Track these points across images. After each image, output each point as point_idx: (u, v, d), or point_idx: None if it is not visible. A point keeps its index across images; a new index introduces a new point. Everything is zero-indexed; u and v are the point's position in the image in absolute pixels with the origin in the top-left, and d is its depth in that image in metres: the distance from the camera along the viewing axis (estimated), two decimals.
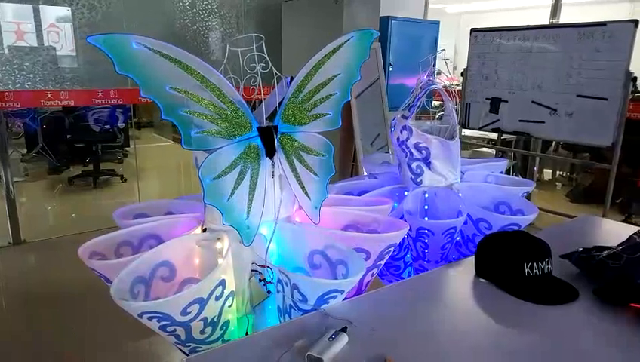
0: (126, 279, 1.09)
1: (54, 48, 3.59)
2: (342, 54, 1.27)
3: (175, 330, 1.08)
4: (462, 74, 3.98)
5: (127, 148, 6.20)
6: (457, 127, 1.78)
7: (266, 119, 1.22)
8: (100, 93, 3.53)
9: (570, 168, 5.55)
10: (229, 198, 1.15)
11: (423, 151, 1.71)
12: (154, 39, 1.01)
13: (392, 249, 1.30)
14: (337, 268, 1.20)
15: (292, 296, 1.10)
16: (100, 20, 3.62)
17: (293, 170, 1.24)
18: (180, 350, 1.37)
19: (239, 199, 1.17)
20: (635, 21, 2.94)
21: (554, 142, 5.02)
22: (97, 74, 3.65)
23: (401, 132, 1.72)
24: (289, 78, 1.35)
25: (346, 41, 1.27)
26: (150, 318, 1.03)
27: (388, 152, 4.07)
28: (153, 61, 1.02)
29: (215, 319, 1.13)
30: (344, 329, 0.97)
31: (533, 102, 3.54)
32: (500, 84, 3.72)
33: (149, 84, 1.03)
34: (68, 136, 5.26)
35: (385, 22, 4.06)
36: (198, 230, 1.32)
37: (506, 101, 3.71)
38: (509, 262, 1.20)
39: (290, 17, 4.24)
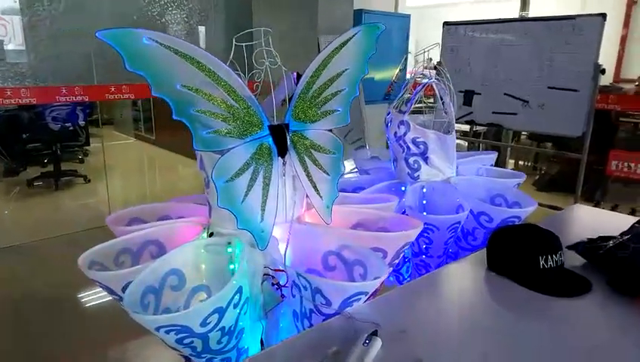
0: (136, 290, 1.02)
1: (2, 42, 3.37)
2: (350, 48, 1.23)
3: (192, 342, 1.02)
4: (434, 68, 4.01)
5: (87, 148, 5.93)
6: (454, 120, 1.78)
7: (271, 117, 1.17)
8: (64, 91, 3.33)
9: (534, 158, 5.74)
10: (242, 201, 1.10)
11: (421, 146, 1.71)
12: (164, 34, 0.94)
13: (407, 246, 1.28)
14: (354, 268, 1.17)
15: (314, 300, 1.07)
16: (55, 13, 3.41)
17: (305, 169, 1.20)
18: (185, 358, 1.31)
19: (253, 201, 1.12)
20: (603, 15, 3.05)
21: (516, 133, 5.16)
22: (51, 69, 3.45)
23: (398, 127, 1.71)
24: (294, 74, 1.30)
25: (353, 35, 1.23)
26: (167, 331, 0.97)
27: (364, 146, 4.07)
28: (163, 57, 0.95)
29: (232, 328, 1.08)
30: (375, 333, 0.95)
31: (505, 94, 3.62)
32: (472, 76, 3.78)
33: (160, 81, 0.96)
34: (24, 135, 4.97)
35: (358, 15, 4.05)
36: (204, 235, 1.25)
37: (479, 93, 3.78)
38: (524, 256, 1.20)
39: (263, 10, 4.15)
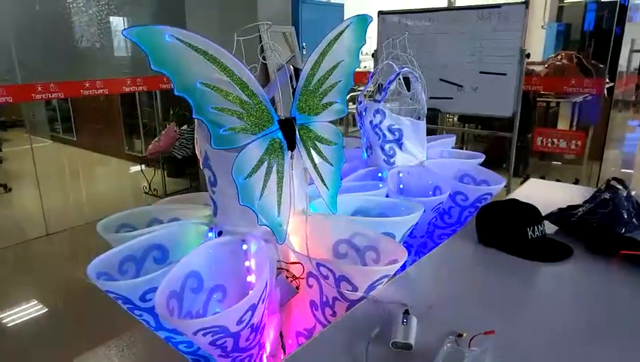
0: (162, 297, 0.99)
1: None
2: (344, 40, 1.26)
3: (225, 342, 1.02)
4: (372, 55, 4.14)
5: None
6: (426, 107, 1.87)
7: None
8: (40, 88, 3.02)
9: (461, 138, 6.11)
10: (260, 197, 1.10)
11: (396, 133, 1.78)
12: (184, 30, 0.91)
13: (411, 229, 1.35)
14: (366, 254, 1.22)
15: (339, 287, 1.10)
16: None
17: (312, 160, 1.22)
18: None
19: (269, 197, 1.12)
20: (526, 2, 3.32)
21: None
22: None
23: (374, 115, 1.77)
24: (291, 68, 1.31)
25: (346, 27, 1.26)
26: (205, 334, 0.95)
27: None
28: (184, 55, 0.92)
29: (258, 324, 1.08)
30: (407, 312, 1.00)
31: (440, 79, 3.82)
32: (409, 64, 3.93)
33: (182, 80, 0.94)
34: None
35: (296, 5, 4.05)
36: (211, 234, 1.23)
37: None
38: (513, 228, 1.32)
39: (196, 2, 4.01)
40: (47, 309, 2.71)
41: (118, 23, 4.06)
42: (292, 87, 1.27)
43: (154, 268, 1.18)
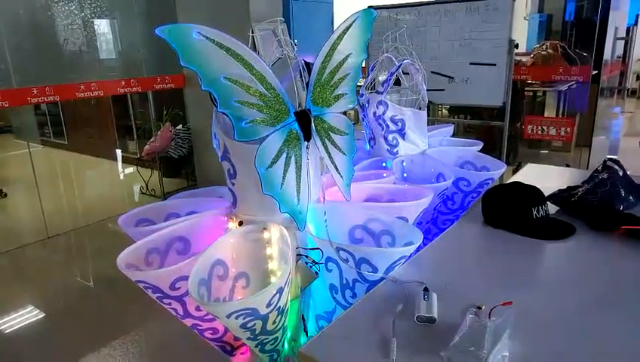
0: (194, 284, 1.04)
1: None
2: (352, 33, 1.31)
3: (254, 325, 1.06)
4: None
5: None
6: (426, 98, 1.93)
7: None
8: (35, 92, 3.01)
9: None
10: (281, 186, 1.15)
11: (399, 123, 1.84)
12: (209, 27, 0.95)
13: (422, 213, 1.41)
14: (382, 238, 1.27)
15: (360, 269, 1.15)
16: None
17: (326, 150, 1.27)
18: (222, 349, 1.34)
19: (289, 186, 1.17)
20: None
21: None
22: None
23: (377, 107, 1.82)
24: (302, 60, 1.36)
25: (354, 21, 1.31)
26: (237, 317, 1.00)
27: None
28: (210, 51, 0.97)
29: (283, 307, 1.13)
30: (426, 289, 1.06)
31: (432, 72, 3.89)
32: (400, 57, 4.00)
33: (209, 75, 0.98)
34: None
35: (286, 2, 4.09)
36: (232, 224, 1.28)
37: (407, 73, 4.01)
38: (519, 209, 1.38)
39: (187, 1, 4.03)
40: (44, 314, 2.71)
41: (108, 25, 4.07)
42: (303, 80, 1.32)
43: (177, 259, 1.22)
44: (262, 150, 1.10)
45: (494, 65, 3.59)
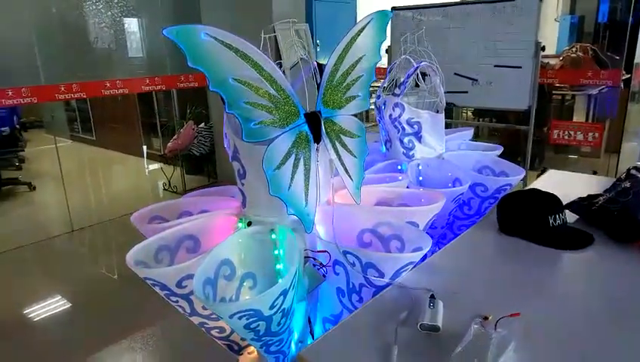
0: (199, 283, 1.04)
1: None
2: (366, 35, 1.29)
3: (258, 326, 1.06)
4: (386, 51, 4.16)
5: (21, 153, 5.53)
6: (444, 100, 1.90)
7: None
8: (10, 93, 3.11)
9: (476, 132, 6.11)
10: (289, 188, 1.14)
11: (415, 126, 1.81)
12: (219, 29, 0.96)
13: (434, 218, 1.38)
14: (391, 242, 1.26)
15: (366, 274, 1.14)
16: None
17: (336, 152, 1.26)
18: (229, 348, 1.35)
19: (297, 188, 1.16)
20: None
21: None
22: None
23: (393, 109, 1.80)
24: (315, 63, 1.35)
25: (368, 22, 1.30)
26: (240, 317, 1.00)
27: None
28: (218, 52, 0.97)
29: (288, 309, 1.13)
30: (433, 297, 1.04)
31: (455, 74, 3.83)
32: (423, 59, 3.95)
33: (217, 76, 0.99)
34: None
35: (309, 2, 4.09)
36: (241, 224, 1.28)
37: (427, 75, 3.97)
38: (535, 217, 1.35)
39: (211, 1, 4.08)
40: (70, 304, 2.80)
41: (134, 24, 4.14)
42: (316, 81, 1.31)
43: (186, 258, 1.23)
44: (270, 151, 1.10)
45: (520, 67, 3.51)
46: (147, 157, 5.74)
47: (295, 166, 1.16)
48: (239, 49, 1.01)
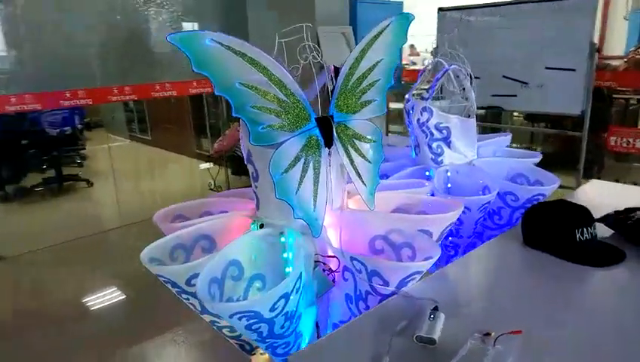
0: (204, 282, 1.07)
1: None
2: (384, 39, 1.27)
3: (260, 327, 1.07)
4: (432, 53, 4.08)
5: (82, 151, 5.90)
6: (475, 105, 1.84)
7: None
8: (68, 95, 3.32)
9: (529, 138, 5.84)
10: (297, 192, 1.15)
11: (444, 131, 1.76)
12: (224, 35, 0.98)
13: (450, 227, 1.34)
14: (402, 250, 1.23)
15: (371, 282, 1.12)
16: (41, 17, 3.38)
17: (349, 157, 1.25)
18: (241, 347, 1.37)
19: (305, 192, 1.16)
20: None
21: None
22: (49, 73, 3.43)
23: (421, 113, 1.76)
24: (332, 67, 1.35)
25: (387, 26, 1.28)
26: (240, 318, 1.01)
27: None
28: (224, 57, 0.99)
29: (293, 312, 1.13)
30: (436, 309, 1.01)
31: (504, 76, 3.69)
32: (470, 60, 3.83)
33: (222, 81, 1.01)
34: (23, 142, 4.93)
35: (354, 4, 4.08)
36: (254, 226, 1.30)
37: (478, 77, 3.82)
38: (561, 230, 1.27)
39: (257, 4, 4.17)
40: (125, 296, 2.95)
41: (187, 28, 4.29)
42: (333, 85, 1.30)
43: (201, 257, 1.26)
44: (277, 155, 1.11)
45: (573, 70, 3.33)
46: (198, 158, 5.95)
47: (304, 170, 1.16)
48: (247, 54, 1.02)
